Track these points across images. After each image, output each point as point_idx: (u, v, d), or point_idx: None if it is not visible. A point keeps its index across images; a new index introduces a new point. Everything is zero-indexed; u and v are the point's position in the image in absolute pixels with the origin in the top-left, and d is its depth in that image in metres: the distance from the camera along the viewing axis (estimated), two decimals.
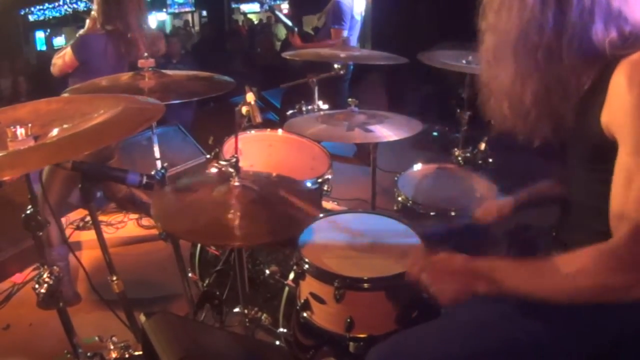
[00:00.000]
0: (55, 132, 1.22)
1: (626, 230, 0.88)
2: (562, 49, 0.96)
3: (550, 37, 0.96)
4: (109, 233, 3.16)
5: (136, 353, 1.65)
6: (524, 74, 1.02)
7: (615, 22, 0.95)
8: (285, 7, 9.53)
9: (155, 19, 14.29)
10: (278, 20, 3.84)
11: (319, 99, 2.65)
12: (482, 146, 2.36)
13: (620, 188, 0.91)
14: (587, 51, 0.96)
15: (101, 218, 3.23)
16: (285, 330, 1.67)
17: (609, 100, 0.94)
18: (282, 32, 8.47)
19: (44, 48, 10.71)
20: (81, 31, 2.56)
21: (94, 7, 2.51)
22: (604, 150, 0.96)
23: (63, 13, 11.84)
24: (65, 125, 1.23)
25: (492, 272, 1.01)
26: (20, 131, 1.16)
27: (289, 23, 3.82)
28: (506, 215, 1.53)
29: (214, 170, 1.91)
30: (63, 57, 2.51)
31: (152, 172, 1.51)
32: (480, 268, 1.04)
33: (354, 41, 3.88)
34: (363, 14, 4.06)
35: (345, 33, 3.73)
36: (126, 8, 2.48)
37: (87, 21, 2.55)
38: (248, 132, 2.12)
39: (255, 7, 12.87)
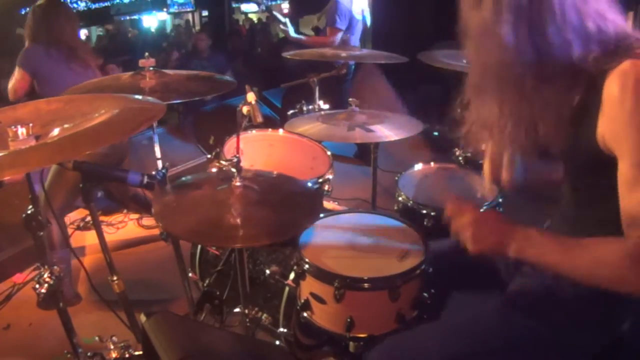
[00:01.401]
0: (56, 131, 1.22)
1: (638, 235, 0.91)
2: (544, 76, 0.97)
3: (531, 67, 0.97)
4: (109, 233, 3.16)
5: (136, 353, 1.65)
6: (507, 107, 1.03)
7: (595, 39, 0.95)
8: (285, 6, 9.54)
9: (156, 19, 14.33)
10: (275, 20, 3.84)
11: (320, 98, 2.65)
12: (483, 146, 2.35)
13: (626, 198, 0.93)
14: (570, 71, 0.96)
15: (102, 218, 3.23)
16: (285, 330, 1.67)
17: (603, 112, 0.94)
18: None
19: None
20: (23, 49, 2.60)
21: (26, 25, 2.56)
22: (600, 164, 0.97)
23: None
24: (66, 125, 1.23)
25: (525, 239, 1.02)
26: (22, 131, 1.16)
27: (288, 23, 3.82)
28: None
29: (214, 170, 1.91)
30: (14, 77, 2.53)
31: (153, 172, 1.51)
32: (517, 234, 1.04)
33: (355, 41, 3.87)
34: (365, 13, 4.05)
35: (340, 33, 3.72)
36: (55, 24, 2.52)
37: (25, 36, 2.59)
38: (249, 131, 2.12)
39: (256, 7, 12.88)
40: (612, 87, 0.92)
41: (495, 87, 1.04)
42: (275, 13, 3.83)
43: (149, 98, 1.45)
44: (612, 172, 0.95)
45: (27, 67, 2.48)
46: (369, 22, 4.20)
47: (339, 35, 3.72)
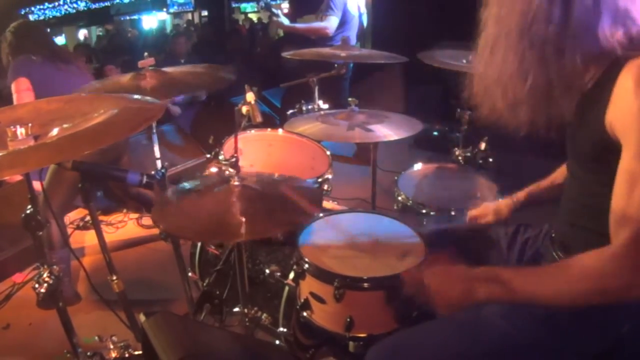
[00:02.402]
0: (55, 131, 1.22)
1: (627, 234, 0.88)
2: (567, 43, 0.95)
3: (555, 31, 0.95)
4: (109, 233, 3.16)
5: (136, 353, 1.65)
6: (525, 66, 1.00)
7: (622, 20, 0.94)
8: (285, 6, 9.53)
9: (155, 19, 14.33)
10: (269, 10, 3.89)
11: (319, 98, 2.65)
12: (482, 146, 2.35)
13: (622, 191, 0.90)
14: (593, 48, 0.94)
15: (101, 218, 3.23)
16: (285, 330, 1.67)
17: (614, 101, 0.93)
18: (282, 31, 8.46)
19: None
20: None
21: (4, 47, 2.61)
22: (605, 150, 0.96)
23: (63, 13, 11.86)
24: (65, 125, 1.23)
25: (493, 279, 1.01)
26: (21, 131, 1.16)
27: (280, 14, 3.84)
28: (504, 217, 1.52)
29: (214, 170, 1.91)
30: (16, 96, 2.48)
31: (152, 172, 1.51)
32: (481, 275, 1.04)
33: (353, 39, 3.86)
34: (362, 11, 4.04)
35: (335, 20, 3.73)
36: (33, 35, 2.59)
37: (4, 57, 2.62)
38: (248, 131, 2.12)
39: (255, 6, 12.89)
40: (627, 78, 0.91)
41: (513, 45, 1.00)
42: (274, 10, 3.85)
43: (148, 98, 1.45)
44: (616, 160, 0.93)
45: (23, 73, 2.47)
46: (365, 22, 4.20)
47: (333, 22, 3.72)
